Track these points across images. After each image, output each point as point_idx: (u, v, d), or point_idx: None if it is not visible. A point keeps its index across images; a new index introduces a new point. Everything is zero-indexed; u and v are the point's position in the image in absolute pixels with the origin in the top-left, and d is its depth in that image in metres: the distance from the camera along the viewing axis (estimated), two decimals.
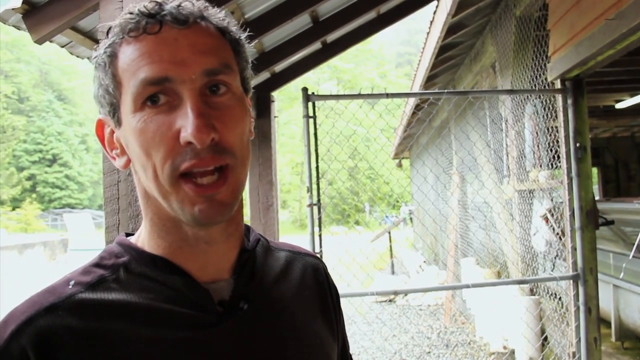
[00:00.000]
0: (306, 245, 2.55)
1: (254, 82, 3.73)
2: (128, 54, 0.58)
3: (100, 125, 0.66)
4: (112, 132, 0.64)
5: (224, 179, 0.59)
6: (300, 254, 0.80)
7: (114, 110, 0.61)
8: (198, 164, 0.56)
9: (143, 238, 0.66)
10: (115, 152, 0.65)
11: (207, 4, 0.63)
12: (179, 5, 0.59)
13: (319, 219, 2.70)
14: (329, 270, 0.84)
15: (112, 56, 0.60)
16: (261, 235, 0.76)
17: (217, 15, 0.63)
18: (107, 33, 0.61)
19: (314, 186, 2.65)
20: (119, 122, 0.61)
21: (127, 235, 0.69)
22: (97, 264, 0.63)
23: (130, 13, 0.59)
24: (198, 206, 0.58)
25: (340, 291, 0.86)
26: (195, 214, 0.58)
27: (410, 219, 19.38)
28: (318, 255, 0.85)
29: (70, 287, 0.59)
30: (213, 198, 0.58)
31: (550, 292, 3.82)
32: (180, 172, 0.57)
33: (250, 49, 0.67)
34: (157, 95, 0.57)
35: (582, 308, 2.68)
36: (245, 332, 0.63)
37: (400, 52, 66.08)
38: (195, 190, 0.57)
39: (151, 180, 0.59)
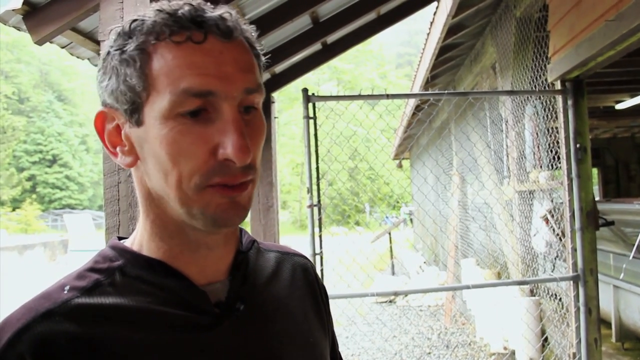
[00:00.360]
0: (306, 246, 2.54)
1: None
2: (168, 58, 0.56)
3: (101, 118, 0.62)
4: (118, 127, 0.61)
5: (245, 186, 0.59)
6: (288, 254, 0.80)
7: (135, 109, 0.58)
8: (231, 180, 0.57)
9: (140, 240, 0.65)
10: (120, 148, 0.62)
11: (238, 15, 0.62)
12: (221, 17, 0.58)
13: (319, 219, 2.70)
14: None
15: (145, 55, 0.57)
16: (253, 237, 0.76)
17: (248, 28, 0.63)
18: (130, 26, 0.58)
19: (314, 187, 2.65)
20: (138, 122, 0.59)
21: (120, 239, 0.68)
22: (92, 269, 0.62)
23: (169, 14, 0.57)
24: (222, 207, 0.58)
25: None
26: (218, 215, 0.58)
27: (411, 219, 19.38)
28: (306, 255, 0.85)
29: (65, 292, 0.58)
30: (235, 200, 0.59)
31: (550, 293, 3.82)
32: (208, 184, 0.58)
33: (264, 62, 0.67)
34: (199, 111, 0.56)
35: (582, 309, 2.68)
36: (241, 333, 0.64)
37: (401, 52, 66.14)
38: (221, 191, 0.58)
39: (173, 188, 0.58)
